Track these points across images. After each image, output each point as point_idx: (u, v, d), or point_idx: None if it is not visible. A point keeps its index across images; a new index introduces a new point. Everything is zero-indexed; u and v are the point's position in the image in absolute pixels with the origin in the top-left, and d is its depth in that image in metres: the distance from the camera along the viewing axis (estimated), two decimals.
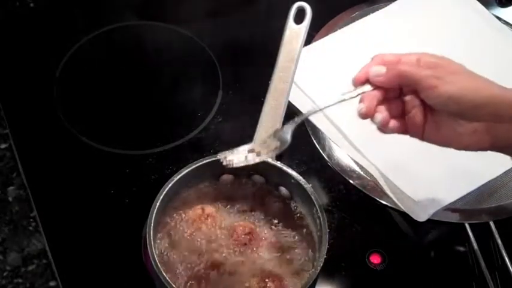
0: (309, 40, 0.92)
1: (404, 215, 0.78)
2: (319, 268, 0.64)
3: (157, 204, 0.67)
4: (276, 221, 0.72)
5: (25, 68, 0.91)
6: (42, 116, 0.86)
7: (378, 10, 0.98)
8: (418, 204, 0.76)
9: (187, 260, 0.68)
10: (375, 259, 0.76)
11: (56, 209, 0.78)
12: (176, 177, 0.70)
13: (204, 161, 0.71)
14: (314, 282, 0.65)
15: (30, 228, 0.78)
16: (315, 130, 0.85)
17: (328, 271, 0.71)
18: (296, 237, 0.71)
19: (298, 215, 0.72)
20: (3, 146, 0.84)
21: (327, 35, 0.94)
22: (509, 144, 0.60)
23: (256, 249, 0.69)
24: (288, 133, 0.64)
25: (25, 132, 0.85)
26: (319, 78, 0.87)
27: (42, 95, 0.88)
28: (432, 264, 0.77)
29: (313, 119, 0.85)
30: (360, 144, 0.82)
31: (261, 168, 0.72)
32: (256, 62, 0.92)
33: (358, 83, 0.61)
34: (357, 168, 0.82)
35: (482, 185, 0.79)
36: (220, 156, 0.66)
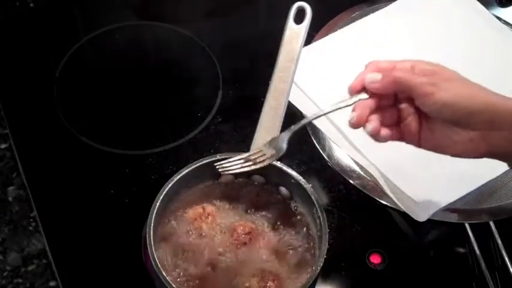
0: (309, 40, 0.92)
1: (404, 215, 0.78)
2: (319, 268, 0.64)
3: (157, 204, 0.67)
4: (276, 221, 0.72)
5: (25, 68, 0.91)
6: (42, 116, 0.86)
7: (378, 10, 0.98)
8: (418, 204, 0.76)
9: (187, 259, 0.68)
10: (375, 259, 0.76)
11: (56, 209, 0.78)
12: (176, 177, 0.70)
13: (204, 161, 0.71)
14: (314, 282, 0.65)
15: (30, 228, 0.78)
16: (315, 130, 0.85)
17: (328, 271, 0.71)
18: (296, 237, 0.71)
19: (298, 215, 0.72)
20: (3, 146, 0.84)
21: (327, 35, 0.94)
22: (506, 151, 0.60)
23: (256, 248, 0.69)
24: (284, 141, 0.66)
25: (25, 132, 0.85)
26: (319, 78, 0.87)
27: (42, 95, 0.88)
28: (432, 264, 0.77)
29: None
30: (360, 144, 0.82)
31: (261, 168, 0.72)
32: (256, 62, 0.92)
33: (354, 91, 0.61)
34: (357, 168, 0.82)
35: (482, 185, 0.79)
36: (217, 164, 0.69)
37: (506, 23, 0.99)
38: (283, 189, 0.73)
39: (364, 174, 0.81)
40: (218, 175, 0.73)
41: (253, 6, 1.01)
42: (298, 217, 0.72)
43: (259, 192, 0.74)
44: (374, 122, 0.60)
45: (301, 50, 0.72)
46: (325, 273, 0.69)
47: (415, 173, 0.79)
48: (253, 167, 0.68)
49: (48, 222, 0.77)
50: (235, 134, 0.86)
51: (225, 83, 0.91)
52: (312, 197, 0.69)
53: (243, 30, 0.97)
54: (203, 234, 0.70)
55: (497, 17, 0.99)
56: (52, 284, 0.74)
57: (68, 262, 0.74)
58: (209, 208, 0.72)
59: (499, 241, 0.76)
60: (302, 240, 0.70)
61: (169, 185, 0.69)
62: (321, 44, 0.93)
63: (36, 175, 0.81)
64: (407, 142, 0.63)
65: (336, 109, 0.62)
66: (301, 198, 0.72)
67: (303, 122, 0.66)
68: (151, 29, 0.98)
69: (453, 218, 0.78)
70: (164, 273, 0.63)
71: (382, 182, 0.80)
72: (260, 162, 0.68)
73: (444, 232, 0.80)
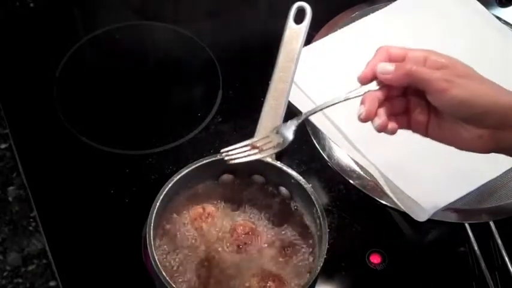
0: (309, 40, 0.92)
1: (404, 215, 0.78)
2: (319, 268, 0.64)
3: (157, 204, 0.67)
4: (276, 221, 0.72)
5: (25, 68, 0.91)
6: (42, 116, 0.86)
7: (378, 10, 0.98)
8: (418, 204, 0.76)
9: (187, 259, 0.68)
10: (375, 259, 0.76)
11: (56, 209, 0.78)
12: (176, 177, 0.70)
13: (204, 161, 0.71)
14: (314, 282, 0.65)
15: (30, 228, 0.78)
16: (315, 130, 0.85)
17: (328, 271, 0.71)
18: (296, 237, 0.71)
19: (298, 215, 0.72)
20: (3, 146, 0.84)
21: (327, 35, 0.94)
22: None
23: (256, 248, 0.70)
24: (290, 129, 0.65)
25: (25, 132, 0.85)
26: (319, 78, 0.88)
27: (42, 95, 0.88)
28: (432, 264, 0.77)
29: (313, 119, 0.85)
30: (360, 144, 0.82)
31: (261, 168, 0.72)
32: (256, 62, 0.92)
33: (365, 80, 0.60)
34: (357, 168, 0.82)
35: (482, 185, 0.79)
36: (222, 151, 0.66)
37: (506, 23, 0.99)
38: (283, 189, 0.73)
39: (364, 174, 0.82)
40: (218, 175, 0.73)
41: (253, 6, 1.01)
42: (298, 217, 0.72)
43: (259, 192, 0.74)
44: (381, 116, 0.59)
45: (301, 50, 0.72)
46: (325, 273, 0.69)
47: (415, 173, 0.79)
48: (259, 156, 0.66)
49: (48, 222, 0.77)
50: (235, 134, 0.86)
51: (225, 83, 0.91)
52: (312, 197, 0.69)
53: (243, 30, 0.97)
54: (203, 234, 0.70)
55: (497, 17, 0.99)
56: (52, 284, 0.74)
57: (68, 262, 0.74)
58: (209, 208, 0.72)
59: (499, 241, 0.76)
60: (302, 240, 0.70)
61: (169, 185, 0.69)
62: (321, 44, 0.93)
63: (36, 175, 0.81)
64: (414, 131, 0.62)
65: (347, 99, 0.60)
66: (301, 198, 0.72)
67: (313, 110, 0.63)
68: (151, 29, 0.98)
69: (453, 217, 0.78)
70: (164, 273, 0.63)
71: (382, 182, 0.80)
72: (266, 149, 0.66)
73: (444, 232, 0.80)
